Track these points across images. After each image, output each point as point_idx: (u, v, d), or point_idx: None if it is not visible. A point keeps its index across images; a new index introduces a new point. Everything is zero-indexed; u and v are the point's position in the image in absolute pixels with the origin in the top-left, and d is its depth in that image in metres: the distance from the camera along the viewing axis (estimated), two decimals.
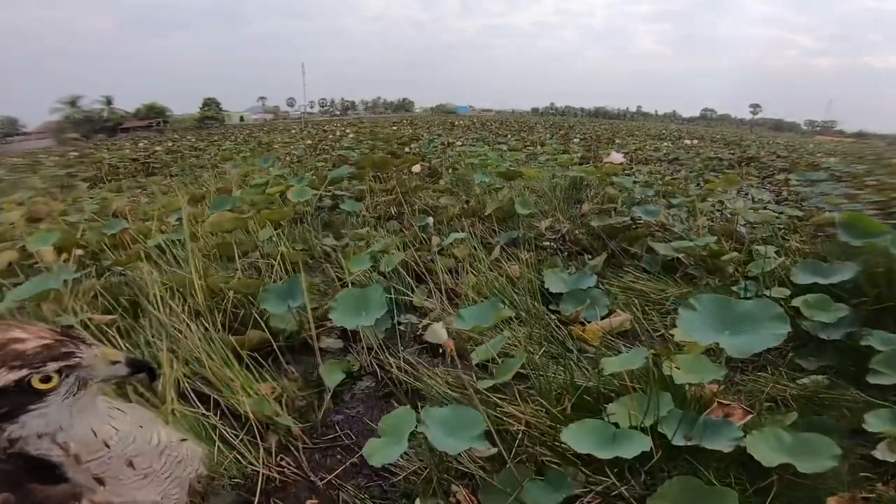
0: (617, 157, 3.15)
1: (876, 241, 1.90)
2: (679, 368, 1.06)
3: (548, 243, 2.77)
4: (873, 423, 1.07)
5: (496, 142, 8.53)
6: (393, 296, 1.84)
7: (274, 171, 4.05)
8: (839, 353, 1.48)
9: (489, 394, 1.27)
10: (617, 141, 10.80)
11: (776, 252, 2.24)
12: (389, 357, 1.54)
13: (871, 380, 1.24)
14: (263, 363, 1.43)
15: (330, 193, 3.33)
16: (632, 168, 5.51)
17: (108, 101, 49.04)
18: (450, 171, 4.38)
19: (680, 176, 4.93)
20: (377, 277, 2.04)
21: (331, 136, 11.55)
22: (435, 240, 2.40)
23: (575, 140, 10.44)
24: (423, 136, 10.39)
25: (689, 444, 1.00)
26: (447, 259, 2.20)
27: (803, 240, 2.42)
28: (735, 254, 2.15)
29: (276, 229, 2.44)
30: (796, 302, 1.57)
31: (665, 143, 10.78)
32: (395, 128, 15.49)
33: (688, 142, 10.69)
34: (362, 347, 1.60)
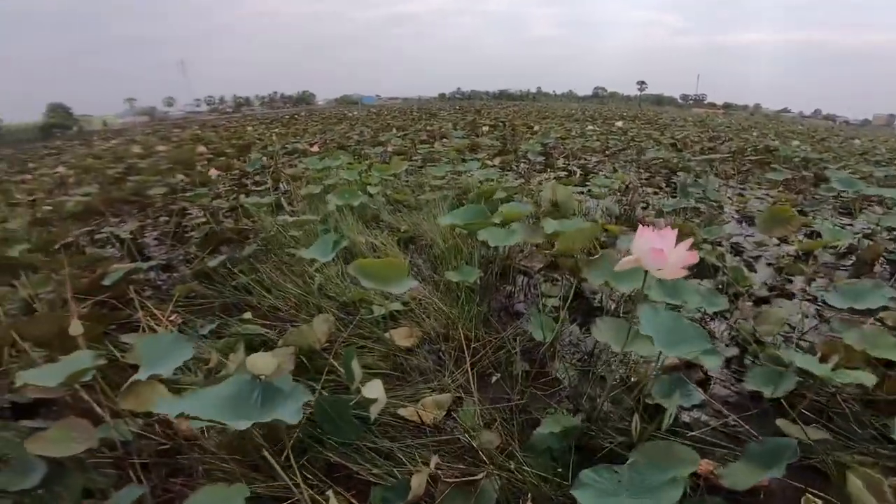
0: (677, 252, 0.76)
1: None
2: None
3: None
4: None
5: (375, 142, 5.93)
6: None
7: None
8: None
9: None
10: (535, 127, 8.70)
11: None
12: None
13: None
14: None
15: None
16: (588, 187, 3.29)
17: None
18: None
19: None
20: None
21: (136, 151, 8.25)
22: None
23: (484, 129, 8.06)
24: (274, 139, 7.53)
25: None
26: None
27: None
28: None
29: None
30: None
31: (591, 127, 8.89)
32: (253, 128, 12.35)
33: (618, 124, 8.84)
34: None
